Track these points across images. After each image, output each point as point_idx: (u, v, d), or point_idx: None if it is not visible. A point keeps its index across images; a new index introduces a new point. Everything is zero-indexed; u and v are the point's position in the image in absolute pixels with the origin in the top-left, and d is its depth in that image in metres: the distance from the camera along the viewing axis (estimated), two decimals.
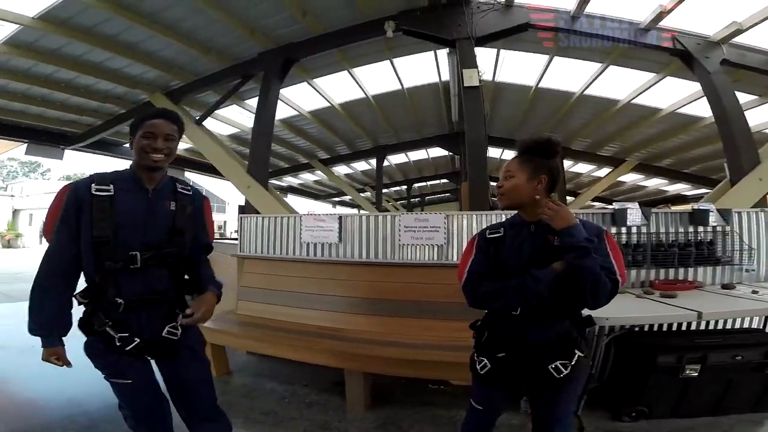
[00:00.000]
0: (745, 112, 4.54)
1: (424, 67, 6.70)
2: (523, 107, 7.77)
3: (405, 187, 17.03)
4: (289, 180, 15.08)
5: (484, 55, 5.83)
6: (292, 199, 16.75)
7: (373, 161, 11.86)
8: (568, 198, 12.87)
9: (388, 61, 6.25)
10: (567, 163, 10.74)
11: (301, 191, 17.07)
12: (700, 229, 3.23)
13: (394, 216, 3.49)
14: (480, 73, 4.52)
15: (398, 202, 21.08)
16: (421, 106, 8.26)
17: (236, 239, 4.49)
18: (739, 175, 4.18)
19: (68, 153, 8.57)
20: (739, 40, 4.62)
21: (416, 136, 10.35)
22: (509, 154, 11.13)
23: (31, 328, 1.36)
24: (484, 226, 3.16)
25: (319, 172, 12.49)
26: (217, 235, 7.32)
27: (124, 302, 1.38)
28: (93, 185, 1.37)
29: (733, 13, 4.37)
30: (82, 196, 1.36)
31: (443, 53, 6.00)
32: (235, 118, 8.24)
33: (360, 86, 7.07)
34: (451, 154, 11.26)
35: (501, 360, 1.35)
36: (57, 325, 1.38)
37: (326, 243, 3.63)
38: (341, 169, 13.81)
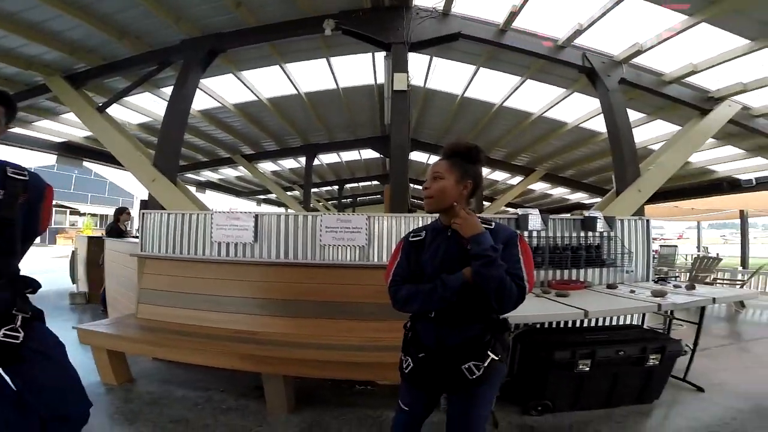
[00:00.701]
0: (633, 129, 5.17)
1: (361, 68, 6.67)
2: (450, 115, 8.13)
3: (336, 187, 16.85)
4: (208, 174, 13.95)
5: (419, 60, 6.02)
6: (210, 195, 15.54)
7: (303, 159, 11.50)
8: (485, 203, 13.92)
9: (324, 60, 6.11)
10: (486, 171, 11.56)
11: (222, 187, 15.88)
12: (590, 233, 3.68)
13: (316, 216, 3.44)
14: (409, 78, 4.62)
15: (329, 202, 20.78)
16: (356, 106, 8.23)
17: (135, 237, 4.05)
18: (624, 186, 4.77)
19: None
20: (638, 60, 5.07)
21: (350, 137, 10.29)
22: (435, 159, 11.66)
23: None
24: (404, 228, 3.30)
25: (242, 168, 11.73)
26: (132, 232, 6.47)
27: None
28: None
29: (638, 35, 4.73)
30: None
31: (381, 56, 6.05)
32: (147, 107, 7.34)
33: (292, 82, 6.80)
34: (382, 156, 11.42)
35: (422, 360, 1.38)
36: None
37: (240, 242, 3.48)
38: (267, 166, 13.18)
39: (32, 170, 1.43)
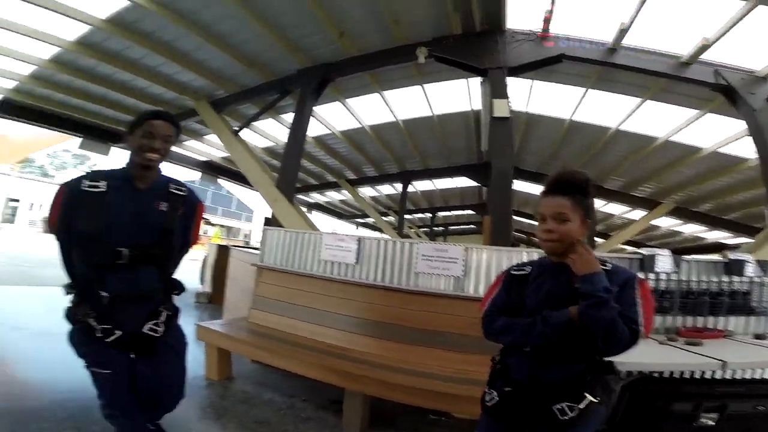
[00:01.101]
0: None
1: (455, 95, 6.78)
2: (556, 140, 7.66)
3: (429, 214, 16.94)
4: (316, 197, 15.36)
5: (517, 85, 5.87)
6: (316, 216, 16.99)
7: (399, 185, 11.92)
8: (597, 240, 12.38)
9: (419, 86, 6.38)
10: (598, 203, 10.40)
11: (326, 209, 17.31)
12: (735, 278, 3.12)
13: (413, 243, 3.50)
14: (510, 104, 4.48)
15: (421, 230, 20.94)
16: (451, 133, 8.31)
17: (257, 248, 4.54)
18: None
19: (113, 150, 9.09)
20: None
21: (444, 164, 10.34)
22: (538, 189, 10.99)
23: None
24: (505, 262, 3.16)
25: (345, 191, 12.67)
26: (242, 243, 7.45)
27: (110, 296, 1.41)
28: (84, 181, 1.42)
29: None
30: (75, 193, 1.42)
31: (476, 81, 6.08)
32: (270, 131, 8.57)
33: (390, 110, 7.23)
34: (478, 185, 11.19)
35: (508, 394, 1.31)
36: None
37: (343, 263, 3.65)
38: (367, 191, 13.96)
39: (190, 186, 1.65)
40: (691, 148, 6.69)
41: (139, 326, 1.47)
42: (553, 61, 4.65)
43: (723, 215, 9.35)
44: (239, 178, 10.22)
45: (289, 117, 7.43)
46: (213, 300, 6.67)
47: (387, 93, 6.70)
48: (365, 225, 20.91)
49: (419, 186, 12.90)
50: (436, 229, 18.80)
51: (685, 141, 6.52)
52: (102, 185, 1.43)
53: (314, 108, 6.28)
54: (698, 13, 4.04)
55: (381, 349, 3.06)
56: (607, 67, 4.70)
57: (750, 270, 3.11)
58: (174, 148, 8.04)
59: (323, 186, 12.65)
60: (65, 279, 1.51)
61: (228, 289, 5.27)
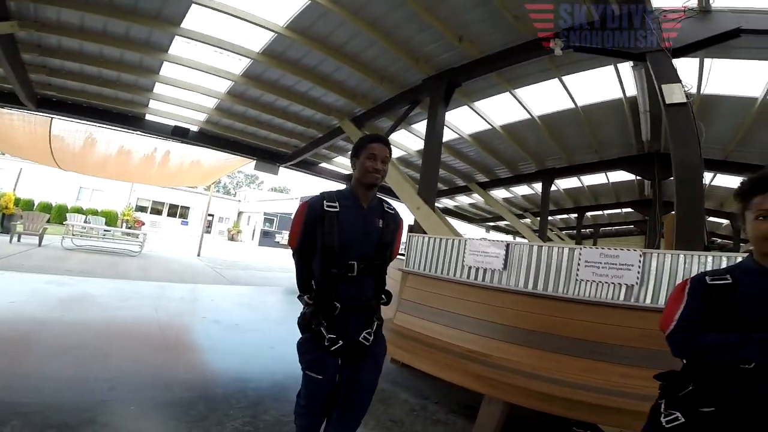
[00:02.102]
0: None
1: (601, 83, 5.92)
2: (745, 123, 5.99)
3: (575, 215, 15.13)
4: (445, 202, 15.43)
5: (682, 66, 4.82)
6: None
7: (537, 185, 11.01)
8: None
9: (556, 80, 5.81)
10: None
11: (456, 213, 17.20)
12: None
13: (573, 249, 3.24)
14: (685, 88, 3.79)
15: (563, 232, 18.87)
16: (600, 125, 7.29)
17: (402, 254, 4.88)
18: None
19: (280, 169, 10.85)
20: None
21: (593, 158, 9.10)
22: (723, 180, 8.64)
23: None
24: (696, 269, 2.75)
25: (476, 195, 12.38)
26: None
27: (341, 306, 1.58)
28: (325, 202, 1.62)
29: None
30: (318, 211, 1.59)
31: (625, 67, 5.23)
32: (402, 142, 9.03)
33: (524, 107, 6.77)
34: (638, 178, 9.48)
35: (704, 415, 1.19)
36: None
37: (489, 269, 3.60)
38: (499, 193, 13.33)
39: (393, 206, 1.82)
40: None
41: (358, 334, 1.61)
42: (726, 36, 3.73)
43: None
44: (384, 189, 10.95)
45: (419, 126, 7.73)
46: None
47: (519, 90, 6.30)
48: (496, 228, 19.98)
49: (562, 184, 11.66)
50: (583, 230, 16.68)
51: None
52: (336, 205, 1.61)
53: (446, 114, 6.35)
54: None
55: (526, 357, 2.96)
56: None
57: None
58: (325, 164, 9.28)
59: (453, 191, 12.61)
60: (293, 287, 1.74)
61: None
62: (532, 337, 3.07)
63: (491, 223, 19.09)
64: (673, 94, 3.69)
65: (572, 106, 6.61)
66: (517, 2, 4.24)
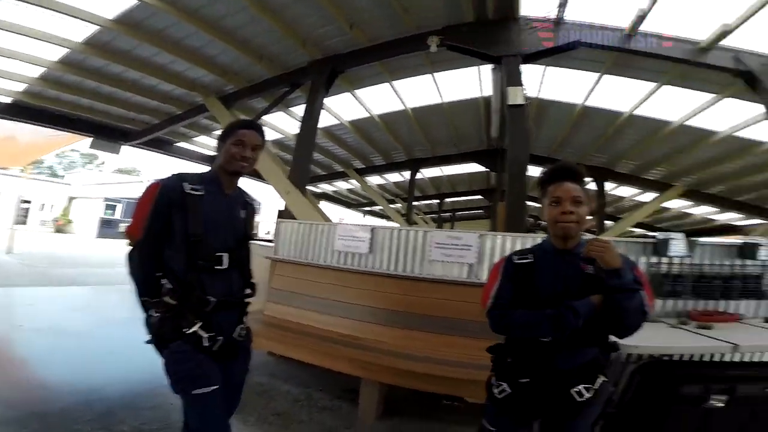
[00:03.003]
0: None
1: (465, 82, 6.69)
2: (567, 126, 7.56)
3: (437, 201, 16.93)
4: (324, 187, 15.39)
5: (529, 71, 5.78)
6: (324, 206, 17.05)
7: (407, 173, 11.90)
8: (607, 222, 12.33)
9: (429, 75, 6.31)
10: (608, 186, 10.31)
11: (334, 198, 17.36)
12: (749, 262, 3.15)
13: (426, 232, 3.52)
14: (524, 92, 4.46)
15: (428, 216, 20.96)
16: (460, 120, 8.24)
17: (270, 241, 4.54)
18: None
19: (123, 148, 9.18)
20: None
21: (452, 151, 10.27)
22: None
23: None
24: (518, 249, 3.17)
25: (353, 181, 12.68)
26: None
27: (216, 301, 1.39)
28: (186, 184, 1.39)
29: None
30: (176, 194, 1.38)
31: (487, 68, 6.00)
32: (279, 124, 8.55)
33: (400, 98, 7.17)
34: (487, 170, 11.14)
35: (523, 385, 1.35)
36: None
37: (356, 253, 3.68)
38: (374, 180, 13.95)
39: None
40: (706, 132, 6.58)
41: (232, 331, 1.47)
42: (568, 47, 4.56)
43: (735, 197, 9.25)
44: (252, 172, 10.19)
45: (298, 110, 7.41)
46: None
47: (397, 82, 6.62)
48: (372, 213, 20.96)
49: (427, 173, 12.86)
50: (443, 215, 18.83)
51: (699, 125, 6.40)
52: (201, 188, 1.43)
53: (324, 100, 6.25)
54: None
55: (393, 337, 3.11)
56: (624, 53, 4.60)
57: (763, 254, 3.13)
58: (183, 144, 8.10)
59: (331, 176, 12.66)
60: (131, 286, 1.42)
61: None
62: (395, 317, 3.20)
63: (367, 208, 19.89)
64: (516, 96, 4.31)
65: (440, 101, 7.29)
66: None
